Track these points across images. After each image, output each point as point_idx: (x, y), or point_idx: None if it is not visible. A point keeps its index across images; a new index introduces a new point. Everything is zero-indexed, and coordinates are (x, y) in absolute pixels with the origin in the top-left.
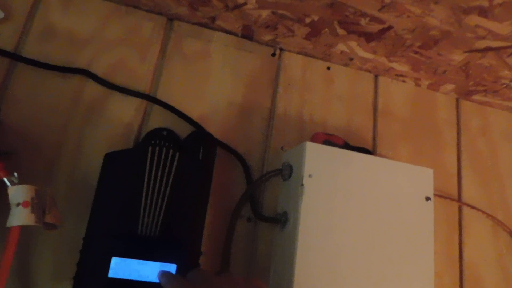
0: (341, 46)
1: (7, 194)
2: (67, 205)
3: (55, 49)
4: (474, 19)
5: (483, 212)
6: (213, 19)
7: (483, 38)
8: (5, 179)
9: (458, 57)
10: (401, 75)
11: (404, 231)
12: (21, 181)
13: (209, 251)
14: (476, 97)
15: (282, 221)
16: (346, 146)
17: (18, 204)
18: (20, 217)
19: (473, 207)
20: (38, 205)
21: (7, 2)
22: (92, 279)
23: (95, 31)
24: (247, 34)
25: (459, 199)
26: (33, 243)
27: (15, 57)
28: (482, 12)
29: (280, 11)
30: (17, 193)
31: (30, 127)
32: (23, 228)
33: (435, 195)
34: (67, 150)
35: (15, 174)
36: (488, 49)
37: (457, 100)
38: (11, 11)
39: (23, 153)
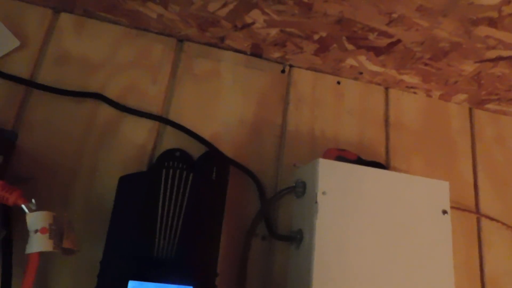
0: (350, 61)
1: (25, 221)
2: (84, 229)
3: (69, 74)
4: (483, 30)
5: (503, 224)
6: (222, 39)
7: (494, 48)
8: (23, 206)
9: (469, 67)
10: (412, 87)
11: (422, 246)
12: (37, 206)
13: (225, 271)
14: (490, 106)
15: (297, 239)
16: (359, 161)
17: (36, 231)
18: (38, 243)
19: (492, 219)
20: (56, 231)
21: (22, 31)
22: None
23: (107, 55)
24: (256, 52)
25: (477, 210)
26: (51, 269)
27: (30, 83)
28: (492, 22)
29: (288, 29)
30: (35, 219)
31: (46, 152)
32: (41, 254)
33: (451, 207)
34: (82, 174)
35: (33, 200)
36: (500, 58)
37: (470, 110)
38: (26, 39)
39: (39, 178)
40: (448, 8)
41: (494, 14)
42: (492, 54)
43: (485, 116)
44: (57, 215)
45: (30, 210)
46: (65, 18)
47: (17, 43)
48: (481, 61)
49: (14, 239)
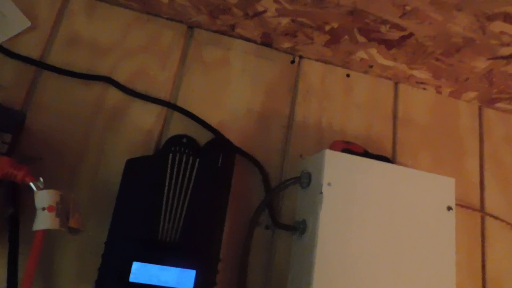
0: (360, 54)
1: (33, 199)
2: (90, 210)
3: (79, 57)
4: (498, 26)
5: (507, 223)
6: (233, 26)
7: (508, 45)
8: (31, 184)
9: (481, 64)
10: (422, 83)
11: (424, 241)
12: (45, 186)
13: (227, 258)
14: (500, 105)
15: (300, 229)
16: (366, 154)
17: (43, 209)
18: (45, 221)
19: (496, 218)
20: (62, 210)
21: (33, 12)
22: (113, 284)
23: (118, 39)
24: (266, 42)
25: (481, 209)
26: (56, 247)
27: (40, 65)
28: (508, 18)
29: (300, 19)
30: (43, 197)
31: (54, 133)
32: (47, 233)
33: (456, 204)
34: (89, 156)
35: (41, 179)
36: None
37: (480, 108)
38: (37, 20)
39: (47, 159)
40: (464, 1)
41: (510, 10)
42: (505, 51)
43: (495, 115)
44: (64, 195)
45: (38, 188)
46: (77, 1)
47: (28, 23)
48: (494, 58)
49: (22, 216)
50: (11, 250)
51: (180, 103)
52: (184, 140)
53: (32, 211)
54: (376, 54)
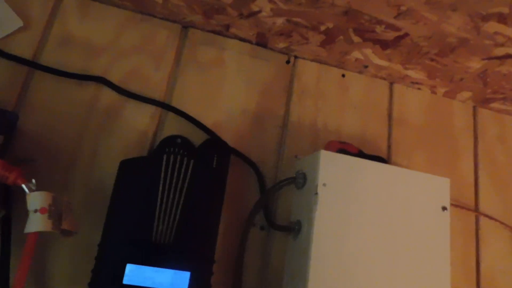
0: (356, 54)
1: (25, 201)
2: (83, 212)
3: (72, 57)
4: (493, 26)
5: (501, 223)
6: (228, 26)
7: (502, 45)
8: (24, 186)
9: (475, 64)
10: (417, 83)
11: (419, 241)
12: (38, 187)
13: (222, 259)
14: (494, 105)
15: (295, 229)
16: (361, 154)
17: (35, 211)
18: (37, 223)
19: (490, 218)
20: (55, 212)
21: (25, 11)
22: (107, 286)
23: (111, 39)
24: (261, 42)
25: (476, 209)
26: (50, 250)
27: (33, 65)
28: (502, 19)
29: (295, 19)
30: (35, 199)
31: (47, 134)
32: (40, 235)
33: (451, 205)
34: (83, 157)
35: (33, 180)
36: (507, 56)
37: (474, 108)
38: (30, 20)
39: (40, 160)
40: (458, 1)
41: (505, 10)
42: (500, 51)
43: (489, 115)
44: (56, 196)
45: (30, 190)
46: (70, 0)
47: (20, 23)
48: (488, 59)
49: (14, 218)
50: (3, 252)
51: (174, 104)
52: (179, 140)
53: (25, 213)
54: (371, 54)
